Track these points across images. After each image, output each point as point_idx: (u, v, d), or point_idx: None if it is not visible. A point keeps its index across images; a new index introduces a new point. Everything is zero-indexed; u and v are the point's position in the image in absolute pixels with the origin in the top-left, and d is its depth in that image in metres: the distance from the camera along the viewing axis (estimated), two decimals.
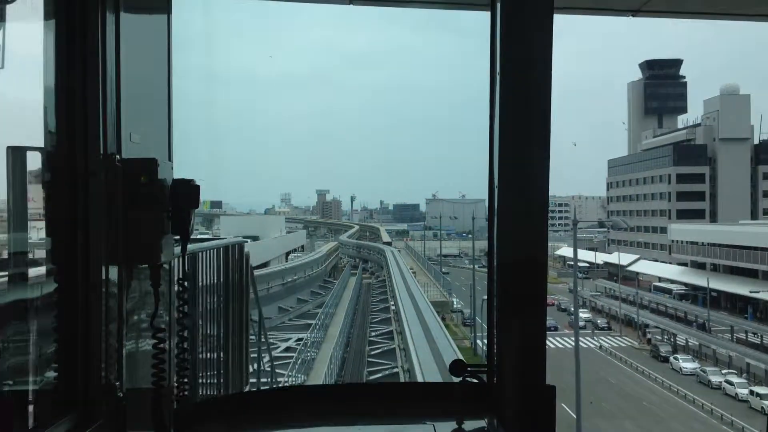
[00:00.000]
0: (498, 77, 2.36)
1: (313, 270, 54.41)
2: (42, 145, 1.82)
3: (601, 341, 58.98)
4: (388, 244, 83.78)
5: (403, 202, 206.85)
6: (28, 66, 1.92)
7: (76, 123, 1.80)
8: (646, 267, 78.64)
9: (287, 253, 72.07)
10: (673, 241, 79.36)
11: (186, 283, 2.12)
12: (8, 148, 1.73)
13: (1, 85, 1.86)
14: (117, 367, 1.86)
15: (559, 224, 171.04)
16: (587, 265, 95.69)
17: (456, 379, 2.61)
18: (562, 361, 53.08)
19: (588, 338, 61.84)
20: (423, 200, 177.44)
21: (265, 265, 59.68)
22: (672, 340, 54.56)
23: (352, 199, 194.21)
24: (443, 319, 43.49)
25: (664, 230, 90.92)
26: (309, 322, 33.00)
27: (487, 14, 2.42)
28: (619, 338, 60.98)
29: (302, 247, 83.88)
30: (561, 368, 50.79)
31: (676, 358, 49.37)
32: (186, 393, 2.14)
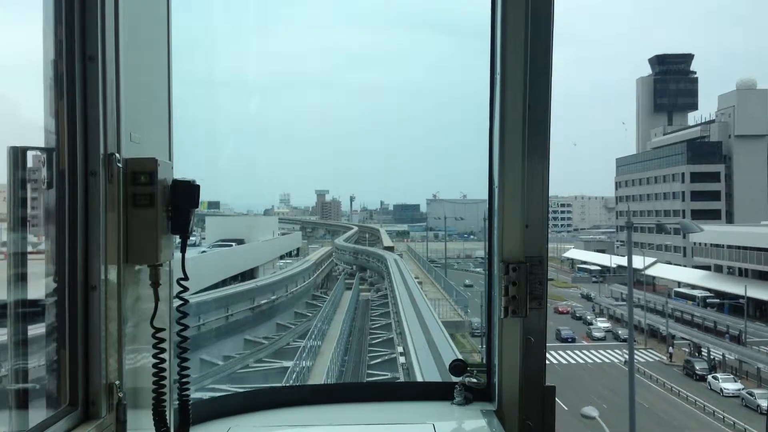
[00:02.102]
0: (498, 77, 2.39)
1: (298, 285, 44.37)
2: (42, 145, 1.83)
3: (626, 355, 51.58)
4: (390, 249, 72.78)
5: (403, 203, 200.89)
6: (28, 66, 1.93)
7: (77, 123, 1.80)
8: (664, 271, 71.66)
9: (281, 257, 64.54)
10: (695, 243, 72.65)
11: (185, 283, 2.08)
12: (9, 148, 1.76)
13: (1, 85, 1.93)
14: (117, 366, 1.87)
15: (561, 225, 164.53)
16: (599, 268, 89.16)
17: (456, 379, 2.61)
18: (586, 380, 46.35)
19: (609, 351, 54.73)
20: (423, 201, 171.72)
21: (252, 272, 52.05)
22: (708, 355, 47.41)
23: (352, 199, 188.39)
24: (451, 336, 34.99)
25: (677, 231, 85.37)
26: (286, 364, 25.17)
27: (487, 14, 2.45)
28: (644, 351, 53.76)
29: (297, 250, 76.35)
30: (588, 389, 44.37)
31: (715, 378, 42.51)
32: (186, 392, 2.07)
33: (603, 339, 58.45)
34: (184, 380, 2.06)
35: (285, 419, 2.63)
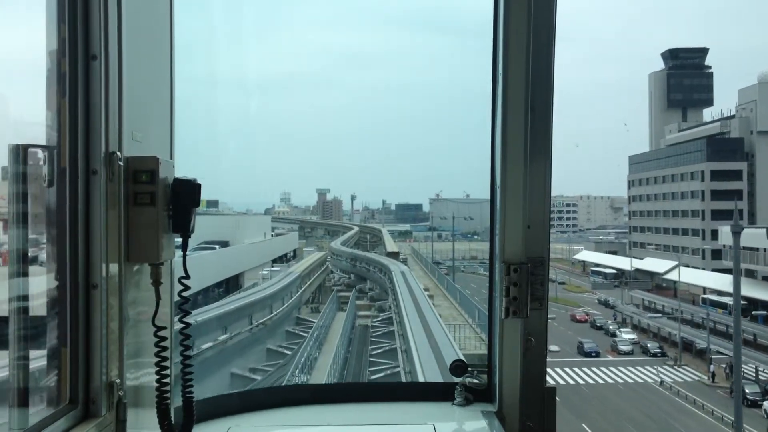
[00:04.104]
0: (499, 77, 2.38)
1: (273, 311, 33.68)
2: (43, 143, 1.84)
3: (661, 375, 44.47)
4: (395, 255, 60.81)
5: (405, 202, 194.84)
6: (30, 64, 1.94)
7: (78, 121, 1.81)
8: (688, 275, 64.34)
9: (273, 261, 57.25)
10: (723, 245, 65.98)
11: (187, 282, 2.09)
12: (9, 146, 1.77)
13: (2, 83, 1.91)
14: (117, 365, 1.88)
15: (567, 225, 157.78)
16: (614, 271, 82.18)
17: (457, 380, 2.61)
18: (619, 404, 39.22)
19: (639, 368, 47.63)
20: (426, 200, 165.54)
21: (236, 278, 44.30)
22: (756, 375, 40.33)
23: (353, 198, 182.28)
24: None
25: (696, 233, 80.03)
26: None
27: (489, 14, 2.44)
28: (680, 369, 46.46)
29: (294, 252, 69.05)
30: (621, 414, 37.31)
31: None
32: (190, 390, 2.09)
33: (630, 353, 51.31)
34: (187, 378, 2.07)
35: (285, 419, 2.63)
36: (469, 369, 2.60)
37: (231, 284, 42.52)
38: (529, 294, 2.36)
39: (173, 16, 2.21)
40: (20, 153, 1.76)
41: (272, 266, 48.27)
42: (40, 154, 1.81)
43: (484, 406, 2.54)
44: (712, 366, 44.97)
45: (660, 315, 59.29)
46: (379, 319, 39.64)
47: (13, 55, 1.89)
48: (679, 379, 45.50)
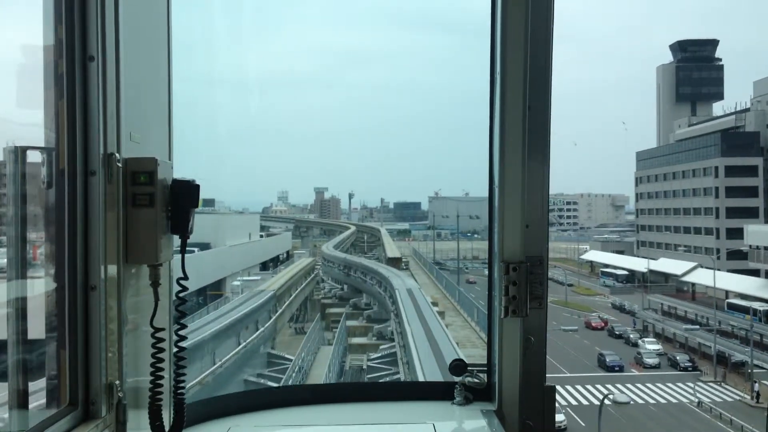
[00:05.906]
0: (498, 76, 2.38)
1: (217, 363, 22.75)
2: (42, 145, 1.87)
3: (698, 393, 38.33)
4: (396, 262, 50.91)
5: (403, 200, 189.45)
6: (28, 65, 1.96)
7: (76, 122, 1.83)
8: (710, 277, 58.31)
9: (262, 265, 50.98)
10: (749, 246, 60.32)
11: (185, 283, 2.09)
12: (8, 148, 1.79)
13: (1, 84, 1.94)
14: (117, 366, 1.90)
15: (568, 223, 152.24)
16: (625, 272, 76.23)
17: (456, 379, 2.60)
18: None
19: (670, 385, 41.64)
20: (424, 198, 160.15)
21: (217, 285, 37.83)
22: None
23: (350, 196, 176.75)
24: None
25: (709, 231, 74.19)
26: None
27: (487, 13, 2.44)
28: (717, 386, 40.32)
29: (287, 254, 62.90)
30: None
31: None
32: (181, 392, 2.08)
33: (657, 366, 45.36)
34: (179, 380, 2.07)
35: (285, 419, 2.60)
36: (469, 368, 2.58)
37: (211, 293, 36.50)
38: (528, 293, 2.35)
39: (171, 16, 2.21)
40: (18, 155, 1.76)
41: (249, 275, 40.67)
42: (39, 155, 1.81)
43: (484, 405, 2.54)
44: (756, 384, 38.95)
45: (698, 327, 52.14)
46: (379, 356, 30.42)
47: (10, 57, 1.89)
48: (718, 399, 39.54)
